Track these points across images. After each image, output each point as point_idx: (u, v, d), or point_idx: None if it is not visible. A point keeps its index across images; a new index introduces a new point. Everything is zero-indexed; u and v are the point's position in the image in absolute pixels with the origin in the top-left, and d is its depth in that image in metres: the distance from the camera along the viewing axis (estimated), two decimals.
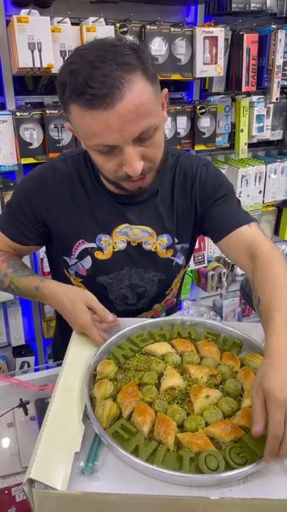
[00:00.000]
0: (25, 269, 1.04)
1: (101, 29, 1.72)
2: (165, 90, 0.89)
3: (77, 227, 1.02)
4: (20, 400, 0.93)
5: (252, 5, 2.01)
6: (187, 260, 1.13)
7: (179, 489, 0.61)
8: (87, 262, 1.04)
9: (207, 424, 0.69)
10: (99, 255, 1.03)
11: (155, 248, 1.04)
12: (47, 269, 2.04)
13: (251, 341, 0.89)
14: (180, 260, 1.08)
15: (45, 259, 2.00)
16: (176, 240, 1.05)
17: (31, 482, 0.58)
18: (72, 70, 0.76)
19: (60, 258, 1.07)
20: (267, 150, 2.62)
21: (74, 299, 0.92)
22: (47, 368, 1.04)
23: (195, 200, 1.04)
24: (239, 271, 2.60)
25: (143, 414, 0.69)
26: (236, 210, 1.04)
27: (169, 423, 0.67)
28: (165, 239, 1.04)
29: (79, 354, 0.85)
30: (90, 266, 1.04)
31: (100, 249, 1.03)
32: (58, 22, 1.71)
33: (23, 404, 0.92)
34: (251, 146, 2.38)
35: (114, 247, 1.03)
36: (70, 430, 0.68)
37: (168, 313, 1.17)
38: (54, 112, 1.78)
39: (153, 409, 0.71)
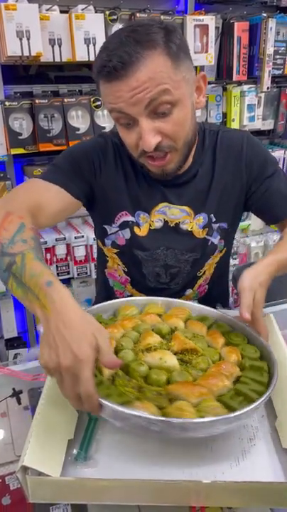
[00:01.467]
0: (42, 254, 0.77)
1: (90, 17, 1.71)
2: (202, 73, 0.90)
3: (122, 199, 1.04)
4: (13, 389, 0.93)
5: None
6: (226, 244, 1.10)
7: (172, 473, 0.61)
8: (127, 233, 1.05)
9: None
10: (136, 230, 1.04)
11: (192, 228, 1.03)
12: None
13: (238, 323, 0.87)
14: (215, 240, 1.06)
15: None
16: (213, 219, 1.04)
17: (25, 469, 0.58)
18: (102, 48, 0.82)
19: (100, 228, 1.08)
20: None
21: (86, 326, 0.63)
22: None
23: (241, 180, 1.03)
24: (231, 261, 2.61)
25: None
26: (284, 193, 1.04)
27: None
28: (201, 218, 1.03)
29: None
30: (129, 237, 1.05)
31: (137, 224, 1.04)
32: (47, 10, 1.69)
33: (16, 394, 0.92)
34: None
35: (150, 225, 1.04)
36: (63, 417, 0.68)
37: (200, 303, 1.05)
38: (43, 101, 1.76)
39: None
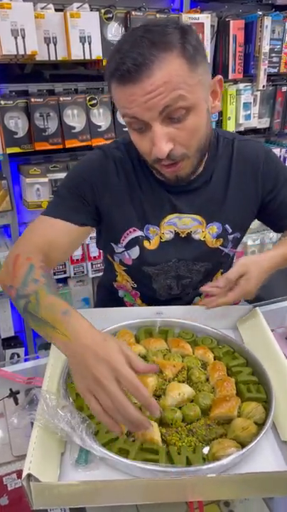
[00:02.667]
0: (56, 288, 0.80)
1: (85, 15, 1.70)
2: (218, 77, 0.86)
3: (129, 215, 1.00)
4: (10, 389, 0.93)
5: None
6: (235, 248, 1.10)
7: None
8: (135, 252, 1.01)
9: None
10: (146, 244, 1.01)
11: (204, 237, 1.01)
12: None
13: (225, 336, 0.92)
14: (227, 249, 1.04)
15: None
16: (230, 230, 1.02)
17: (28, 477, 0.58)
18: (115, 49, 0.79)
19: (107, 243, 1.06)
20: (254, 138, 2.62)
21: (108, 336, 0.66)
22: (37, 357, 1.04)
23: (257, 191, 1.02)
24: None
25: None
26: None
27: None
28: (215, 227, 1.00)
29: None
30: (137, 256, 1.02)
31: (147, 238, 1.00)
32: (42, 8, 1.68)
33: (13, 394, 0.92)
34: (238, 134, 2.37)
35: (161, 238, 1.00)
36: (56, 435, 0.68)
37: None
38: (39, 100, 1.76)
39: None
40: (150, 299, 1.09)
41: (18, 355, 2.16)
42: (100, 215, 1.01)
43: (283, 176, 1.04)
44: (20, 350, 2.16)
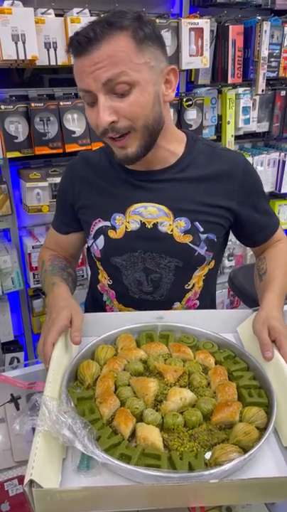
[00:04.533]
0: (59, 271, 1.10)
1: (85, 20, 1.70)
2: (171, 66, 0.91)
3: (95, 206, 1.06)
4: (11, 395, 0.92)
5: None
6: (215, 256, 1.08)
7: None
8: (101, 242, 1.05)
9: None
10: (111, 234, 1.04)
11: (172, 230, 1.01)
12: (34, 263, 2.03)
13: (226, 341, 0.92)
14: (202, 251, 1.03)
15: (33, 254, 2.01)
16: (201, 229, 1.02)
17: (31, 483, 0.58)
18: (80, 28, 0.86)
19: (87, 239, 1.13)
20: (253, 142, 2.63)
21: (66, 306, 0.93)
22: (37, 363, 1.04)
23: (232, 200, 1.02)
24: (227, 263, 2.62)
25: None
26: (267, 219, 1.09)
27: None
28: (182, 222, 1.01)
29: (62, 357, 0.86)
30: (103, 246, 1.05)
31: (113, 227, 1.03)
32: (42, 13, 1.69)
33: (14, 400, 0.92)
34: (237, 138, 2.39)
35: (126, 227, 1.02)
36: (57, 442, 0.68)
37: None
38: (39, 104, 1.76)
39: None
40: (124, 298, 1.10)
41: (18, 360, 2.15)
42: (77, 216, 1.11)
43: (259, 191, 1.07)
44: (20, 355, 2.16)
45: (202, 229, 1.02)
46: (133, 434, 0.71)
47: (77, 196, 1.09)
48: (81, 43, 0.82)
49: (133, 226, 1.02)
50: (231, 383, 0.80)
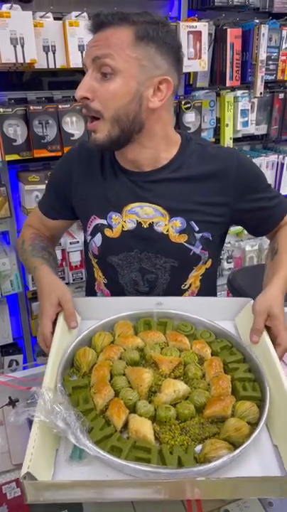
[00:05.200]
0: (40, 251, 1.11)
1: (84, 24, 1.71)
2: (166, 77, 0.91)
3: (91, 202, 1.06)
4: (10, 398, 0.92)
5: None
6: (212, 255, 1.08)
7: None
8: (98, 240, 1.06)
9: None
10: (108, 232, 1.04)
11: (167, 230, 1.02)
12: None
13: (224, 331, 0.92)
14: (197, 250, 1.03)
15: None
16: (196, 228, 1.02)
17: (24, 477, 0.59)
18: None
19: (83, 234, 1.15)
20: (252, 144, 2.64)
21: (51, 291, 0.94)
22: (36, 365, 1.04)
23: (228, 196, 1.02)
24: (226, 265, 2.62)
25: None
26: (272, 206, 1.08)
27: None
28: (178, 222, 1.01)
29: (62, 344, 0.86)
30: (100, 244, 1.06)
31: (110, 226, 1.04)
32: (41, 17, 1.69)
33: (12, 403, 0.92)
34: (236, 140, 2.39)
35: (123, 226, 1.03)
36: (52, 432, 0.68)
37: None
38: (38, 107, 1.77)
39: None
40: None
41: (17, 362, 2.15)
42: (73, 206, 1.12)
43: (257, 181, 1.06)
44: (19, 357, 2.15)
45: (197, 228, 1.02)
46: (126, 424, 0.71)
47: (73, 189, 1.09)
48: (95, 24, 0.90)
49: (130, 226, 1.03)
50: (225, 376, 0.80)
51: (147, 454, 0.65)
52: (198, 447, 0.68)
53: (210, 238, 1.04)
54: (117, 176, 1.04)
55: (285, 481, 0.62)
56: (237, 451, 0.64)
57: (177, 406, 0.73)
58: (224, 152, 1.05)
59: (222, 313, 0.98)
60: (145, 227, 1.02)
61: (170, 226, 1.02)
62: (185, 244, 1.02)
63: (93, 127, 0.93)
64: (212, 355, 0.87)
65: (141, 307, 0.96)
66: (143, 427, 0.69)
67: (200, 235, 1.03)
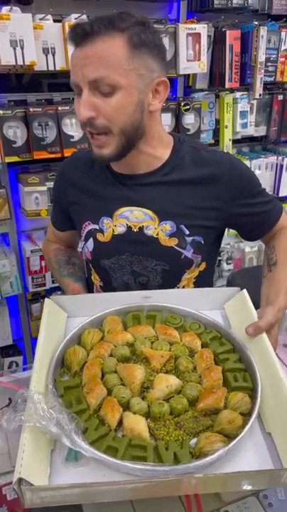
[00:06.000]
0: (66, 267, 1.17)
1: None
2: (162, 78, 0.91)
3: (84, 209, 1.08)
4: (9, 399, 0.92)
5: (234, 1, 2.03)
6: (205, 259, 1.08)
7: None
8: (90, 244, 1.07)
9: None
10: (99, 237, 1.05)
11: (157, 234, 1.02)
12: (32, 268, 2.03)
13: (213, 321, 0.92)
14: (189, 253, 1.03)
15: (32, 258, 2.01)
16: (186, 232, 1.02)
17: (19, 481, 0.58)
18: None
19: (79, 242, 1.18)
20: (251, 146, 2.65)
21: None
22: None
23: (219, 200, 1.02)
24: (225, 266, 2.62)
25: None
26: (266, 210, 1.08)
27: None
28: (168, 226, 1.01)
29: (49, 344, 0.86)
30: (92, 248, 1.07)
31: (101, 231, 1.05)
32: (40, 19, 1.70)
33: (12, 404, 0.92)
34: (235, 142, 2.40)
35: (113, 230, 1.04)
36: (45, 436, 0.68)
37: None
38: (38, 109, 1.77)
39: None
40: None
41: (17, 364, 2.15)
42: (70, 215, 1.14)
43: (250, 186, 1.05)
44: (19, 359, 2.15)
45: (187, 232, 1.02)
46: (121, 422, 0.71)
47: (69, 199, 1.12)
48: (78, 35, 0.84)
49: (120, 230, 1.03)
50: (216, 367, 0.80)
51: (143, 452, 0.65)
52: (193, 441, 0.69)
53: (202, 242, 1.04)
54: (108, 180, 1.04)
55: (284, 472, 0.62)
56: (232, 443, 0.65)
57: (171, 401, 0.74)
58: (217, 156, 1.04)
59: (211, 302, 0.98)
60: (135, 231, 1.03)
61: (160, 230, 1.02)
62: (176, 247, 1.02)
63: (101, 143, 0.92)
64: (202, 346, 0.87)
65: (129, 302, 0.95)
66: (138, 425, 0.69)
67: (191, 238, 1.03)
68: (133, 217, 1.02)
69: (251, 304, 0.92)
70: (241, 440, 0.66)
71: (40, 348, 0.81)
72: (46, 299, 0.93)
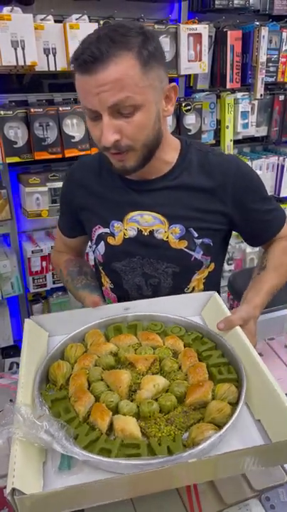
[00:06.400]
0: (78, 279, 1.15)
1: (84, 26, 1.72)
2: (172, 84, 0.92)
3: (95, 213, 1.08)
4: (11, 400, 0.92)
5: (235, 2, 2.03)
6: (214, 260, 1.09)
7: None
8: (102, 248, 1.08)
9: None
10: (110, 240, 1.06)
11: (167, 237, 1.03)
12: (33, 268, 2.03)
13: (193, 323, 0.93)
14: (198, 255, 1.05)
15: (33, 259, 2.01)
16: (195, 234, 1.03)
17: (13, 491, 0.57)
18: (81, 42, 0.85)
19: (90, 245, 1.16)
20: (252, 146, 2.64)
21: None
22: None
23: (226, 203, 1.02)
24: (226, 267, 2.62)
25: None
26: (268, 219, 1.08)
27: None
28: (177, 229, 1.02)
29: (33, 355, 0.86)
30: (104, 251, 1.08)
31: (112, 234, 1.06)
32: (41, 19, 1.70)
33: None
34: (236, 142, 2.39)
35: (125, 234, 1.05)
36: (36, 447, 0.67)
37: None
38: (39, 110, 1.77)
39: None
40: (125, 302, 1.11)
41: (18, 365, 2.14)
42: (80, 219, 1.14)
43: (254, 192, 1.05)
44: (20, 360, 2.15)
45: (196, 234, 1.03)
46: (111, 427, 0.70)
47: (78, 204, 1.12)
48: (87, 62, 0.81)
49: (131, 233, 1.04)
50: (201, 364, 0.81)
51: (136, 449, 0.65)
52: (185, 435, 0.69)
53: (211, 244, 1.05)
54: (117, 185, 1.05)
55: (276, 447, 0.63)
56: (224, 429, 0.66)
57: (159, 399, 0.74)
58: (224, 160, 1.04)
59: (189, 308, 0.99)
60: (145, 234, 1.04)
61: (170, 233, 1.03)
62: (186, 250, 1.04)
63: (121, 158, 0.92)
64: (184, 347, 0.88)
65: (109, 314, 0.96)
66: (129, 425, 0.68)
67: (200, 241, 1.04)
68: (144, 221, 1.03)
69: (224, 306, 0.94)
70: (233, 429, 0.67)
71: (24, 366, 0.80)
72: (26, 320, 0.93)
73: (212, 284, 1.12)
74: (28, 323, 0.92)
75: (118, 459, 0.63)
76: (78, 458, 0.63)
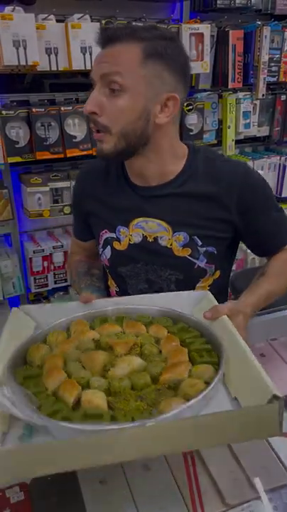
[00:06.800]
0: (84, 279, 1.16)
1: (86, 26, 1.72)
2: (173, 94, 0.92)
3: (102, 218, 1.10)
4: None
5: (237, 1, 2.02)
6: (220, 267, 1.08)
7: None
8: (108, 252, 1.09)
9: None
10: (116, 245, 1.08)
11: (171, 244, 1.03)
12: (35, 268, 2.03)
13: (182, 314, 0.90)
14: (202, 263, 1.04)
15: (34, 259, 2.01)
16: (199, 242, 1.02)
17: None
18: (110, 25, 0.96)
19: (97, 249, 1.17)
20: (254, 146, 2.64)
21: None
22: None
23: (231, 211, 1.01)
24: None
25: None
26: (273, 231, 1.06)
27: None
28: (181, 236, 1.02)
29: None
30: (110, 256, 1.09)
31: (118, 239, 1.07)
32: (43, 19, 1.70)
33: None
34: (238, 142, 2.39)
35: (130, 240, 1.06)
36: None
37: None
38: (40, 110, 1.77)
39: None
40: None
41: None
42: (89, 223, 1.16)
43: (261, 202, 1.03)
44: None
45: (200, 242, 1.03)
46: (80, 403, 0.66)
47: (86, 209, 1.14)
48: (103, 38, 0.90)
49: (136, 239, 1.05)
50: (182, 348, 0.77)
51: (99, 419, 0.62)
52: (155, 411, 0.65)
53: (215, 252, 1.04)
54: (124, 190, 1.05)
55: (242, 413, 0.61)
56: (192, 400, 0.62)
57: (132, 377, 0.70)
58: (231, 167, 1.02)
59: (182, 306, 0.94)
60: (150, 240, 1.04)
61: (174, 240, 1.03)
62: (189, 257, 1.03)
63: (100, 138, 0.94)
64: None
65: (98, 308, 0.93)
66: (96, 398, 0.65)
67: (204, 249, 1.03)
68: (148, 227, 1.04)
69: (215, 302, 0.91)
70: (207, 406, 0.64)
71: (1, 349, 0.77)
72: (13, 308, 0.90)
73: (218, 291, 1.08)
74: (14, 311, 0.89)
75: (79, 424, 0.59)
76: (36, 423, 0.60)
